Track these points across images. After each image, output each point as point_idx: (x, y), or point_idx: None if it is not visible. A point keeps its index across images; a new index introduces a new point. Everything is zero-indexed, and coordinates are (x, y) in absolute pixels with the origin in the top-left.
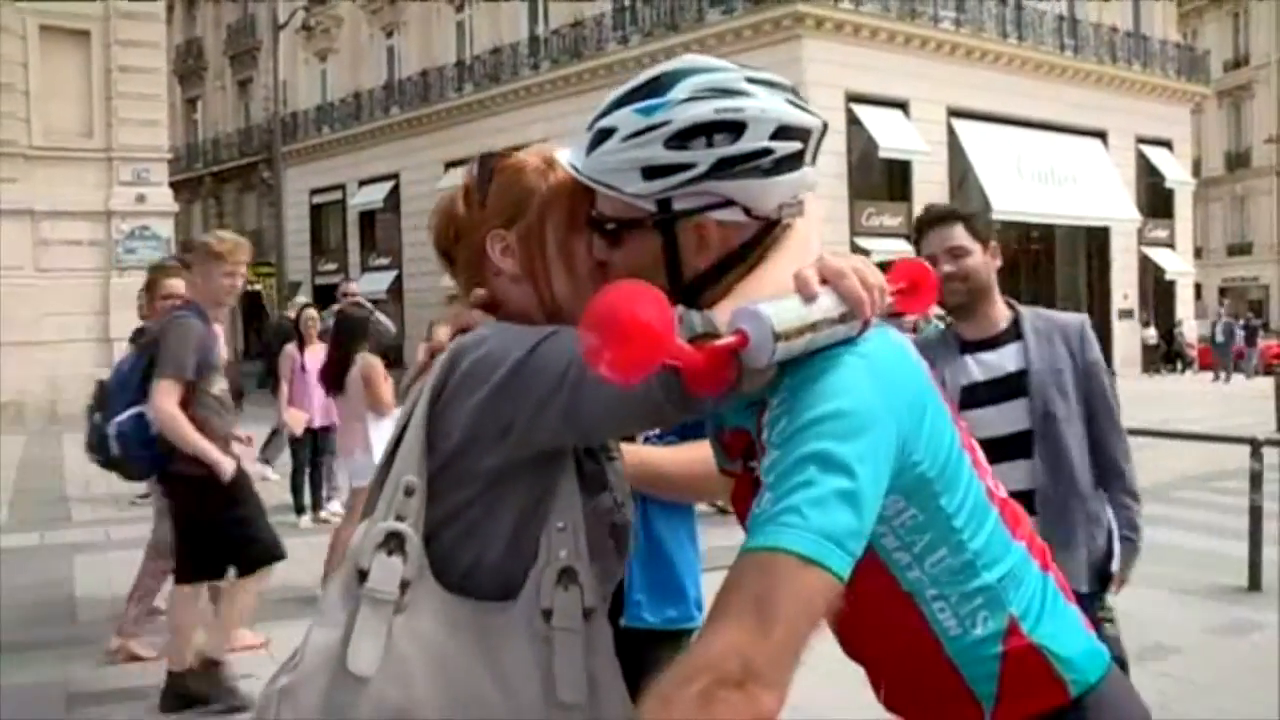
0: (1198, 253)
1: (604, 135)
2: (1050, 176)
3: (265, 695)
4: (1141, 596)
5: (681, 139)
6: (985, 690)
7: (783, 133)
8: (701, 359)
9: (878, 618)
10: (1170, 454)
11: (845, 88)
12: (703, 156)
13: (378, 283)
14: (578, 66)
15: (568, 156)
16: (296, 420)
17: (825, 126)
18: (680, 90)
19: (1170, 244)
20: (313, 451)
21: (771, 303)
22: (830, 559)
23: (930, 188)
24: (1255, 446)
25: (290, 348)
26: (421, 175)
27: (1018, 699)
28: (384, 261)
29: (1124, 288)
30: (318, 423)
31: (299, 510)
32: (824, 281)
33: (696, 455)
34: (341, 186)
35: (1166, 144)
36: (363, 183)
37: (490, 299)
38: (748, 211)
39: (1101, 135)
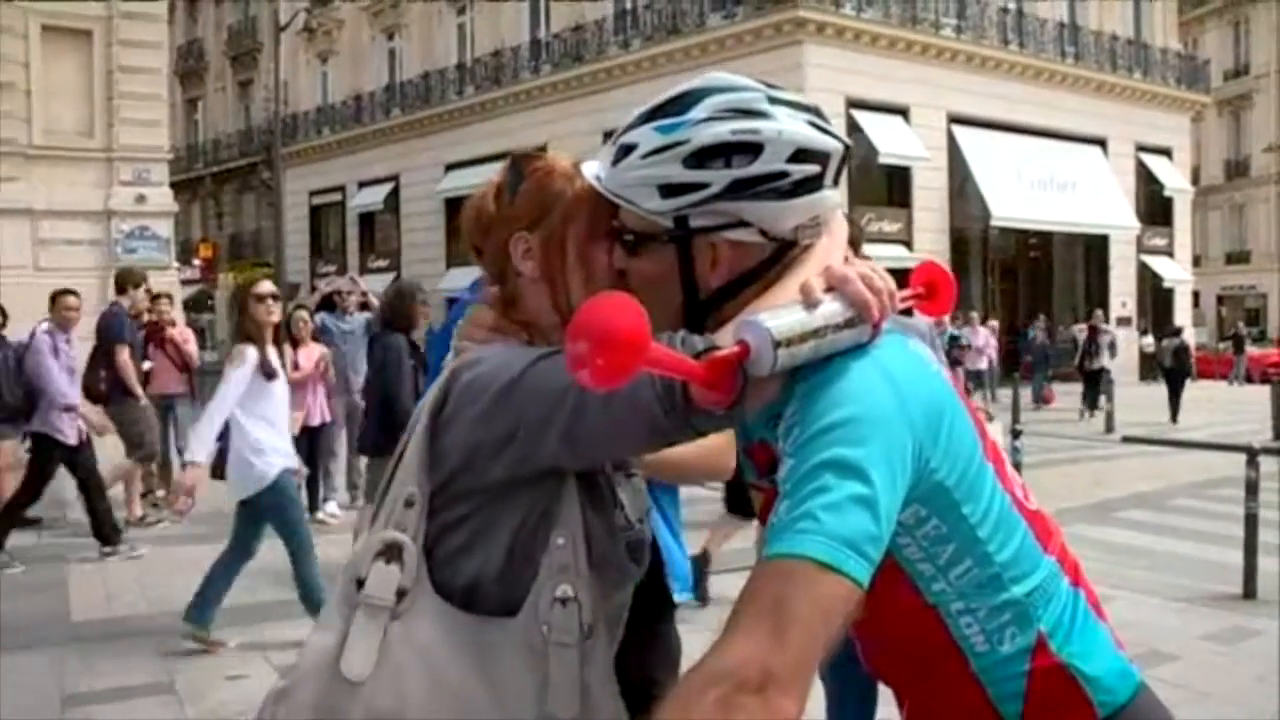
0: (1196, 261)
1: (626, 151)
2: (1050, 184)
3: (266, 697)
4: (1139, 604)
5: (699, 159)
6: (1011, 710)
7: (800, 156)
8: (703, 371)
9: (902, 633)
10: (1169, 462)
11: (846, 93)
12: (718, 177)
13: (377, 284)
14: (578, 70)
15: (593, 169)
16: (291, 421)
17: (848, 150)
18: (700, 110)
19: (1169, 252)
20: (310, 451)
21: (772, 312)
22: (847, 564)
23: (930, 194)
24: (1251, 455)
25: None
26: (421, 177)
27: (1044, 718)
28: (383, 263)
29: (1122, 295)
30: (314, 421)
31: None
32: (829, 288)
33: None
34: (341, 188)
35: (1166, 152)
36: (362, 184)
37: (506, 299)
38: (763, 233)
39: (1101, 143)
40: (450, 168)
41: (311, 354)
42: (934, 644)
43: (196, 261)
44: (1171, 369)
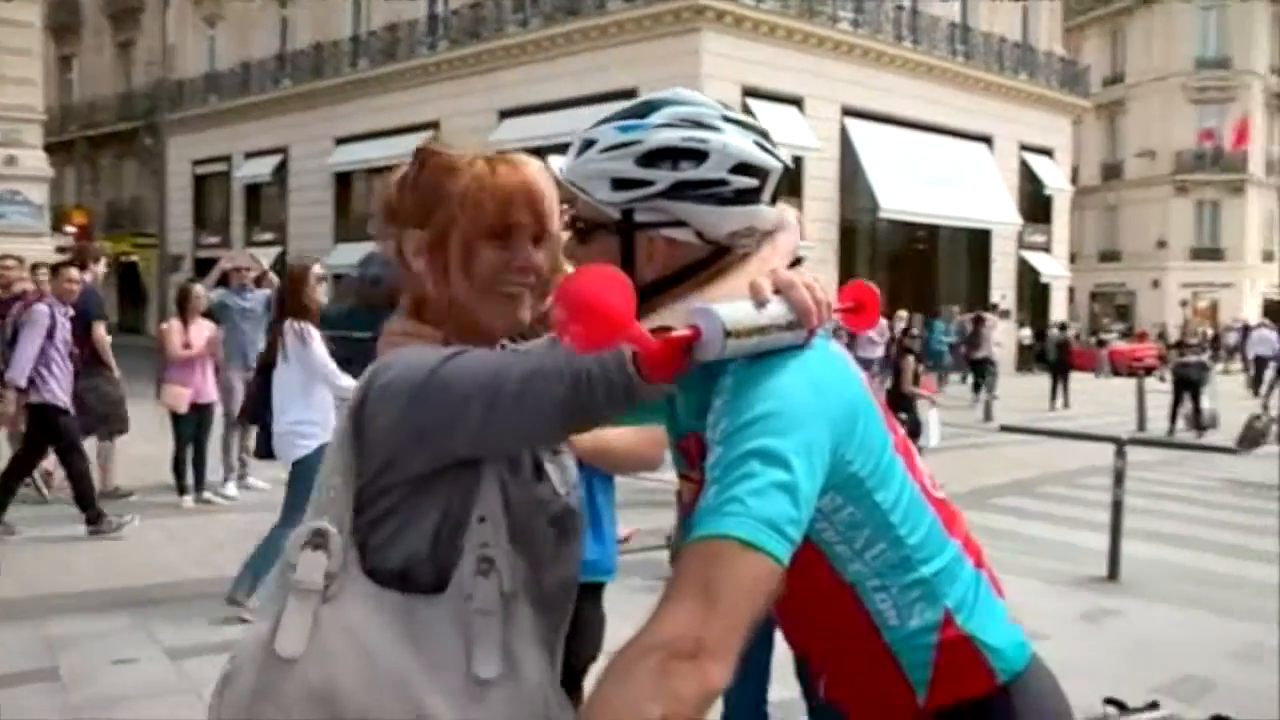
0: (1072, 258)
1: (588, 145)
2: (937, 178)
3: (218, 680)
4: (1014, 585)
5: (650, 159)
6: (920, 677)
7: (742, 169)
8: (657, 347)
9: (821, 609)
10: (1043, 451)
11: (742, 82)
12: (664, 177)
13: (262, 258)
14: (475, 47)
15: (560, 162)
16: (177, 397)
17: (787, 170)
18: (659, 117)
19: (1047, 248)
20: (196, 429)
21: (726, 304)
22: (769, 543)
23: (821, 184)
24: (1120, 445)
25: (174, 323)
26: (311, 150)
27: (950, 685)
28: (269, 236)
29: (1002, 289)
30: (203, 399)
31: (181, 491)
32: (776, 291)
33: (641, 434)
34: (227, 158)
35: (1048, 152)
36: (249, 155)
37: (415, 294)
38: (699, 235)
39: (987, 140)
40: (341, 141)
41: (203, 331)
42: (851, 619)
43: (70, 229)
44: (1056, 360)
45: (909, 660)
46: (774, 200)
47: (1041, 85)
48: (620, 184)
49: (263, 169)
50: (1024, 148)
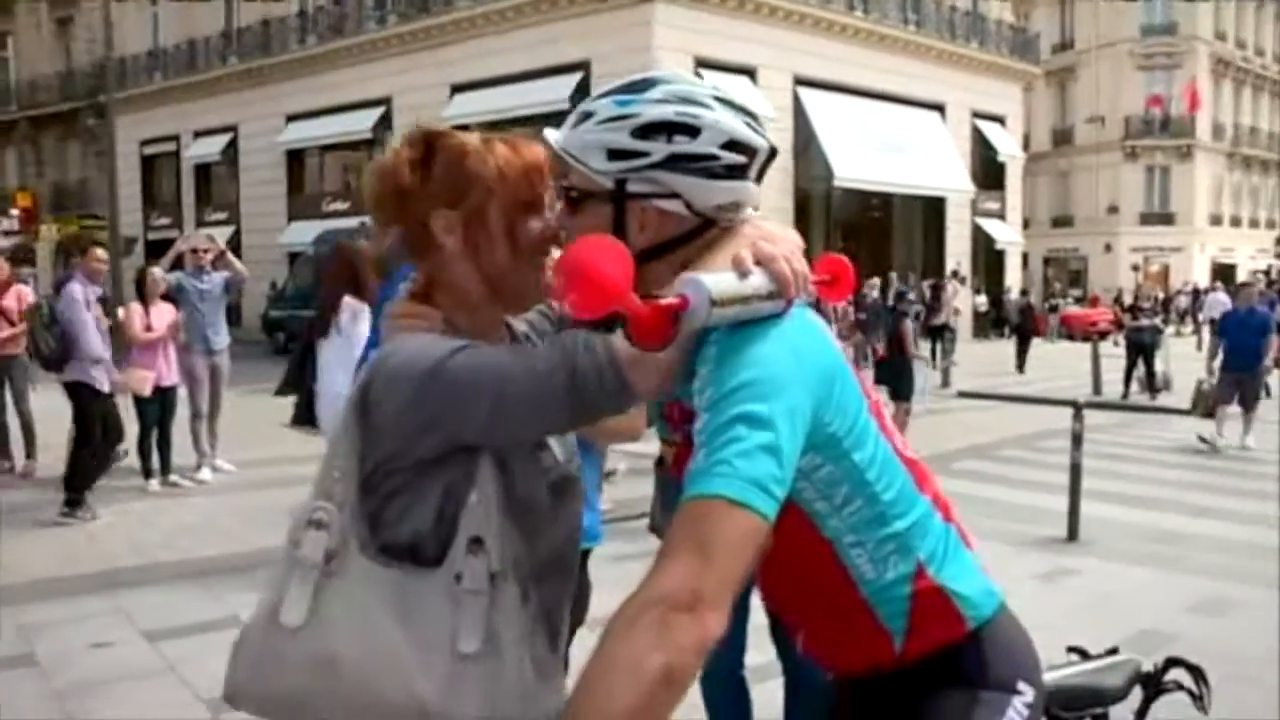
0: (1025, 224)
1: (585, 117)
2: (891, 146)
3: (232, 646)
4: (975, 547)
5: (644, 131)
6: (896, 626)
7: (731, 146)
8: (647, 313)
9: (802, 565)
10: (1000, 415)
11: (694, 53)
12: (659, 149)
13: (218, 238)
14: (425, 22)
15: (554, 134)
16: (142, 380)
17: (774, 150)
18: (655, 92)
19: (1001, 215)
20: (160, 412)
21: (711, 275)
22: (757, 501)
23: None
24: (1077, 409)
25: (135, 306)
26: (261, 128)
27: (924, 633)
28: (221, 216)
29: (957, 256)
30: (165, 382)
31: (147, 474)
32: (758, 263)
33: None
34: (175, 137)
35: (1000, 119)
36: (198, 134)
37: (427, 278)
38: (689, 206)
39: (940, 108)
40: (291, 119)
41: (163, 314)
42: (830, 574)
43: (15, 212)
44: (1019, 325)
45: (886, 611)
46: (760, 178)
47: (992, 53)
48: (616, 154)
49: (212, 148)
50: (976, 115)
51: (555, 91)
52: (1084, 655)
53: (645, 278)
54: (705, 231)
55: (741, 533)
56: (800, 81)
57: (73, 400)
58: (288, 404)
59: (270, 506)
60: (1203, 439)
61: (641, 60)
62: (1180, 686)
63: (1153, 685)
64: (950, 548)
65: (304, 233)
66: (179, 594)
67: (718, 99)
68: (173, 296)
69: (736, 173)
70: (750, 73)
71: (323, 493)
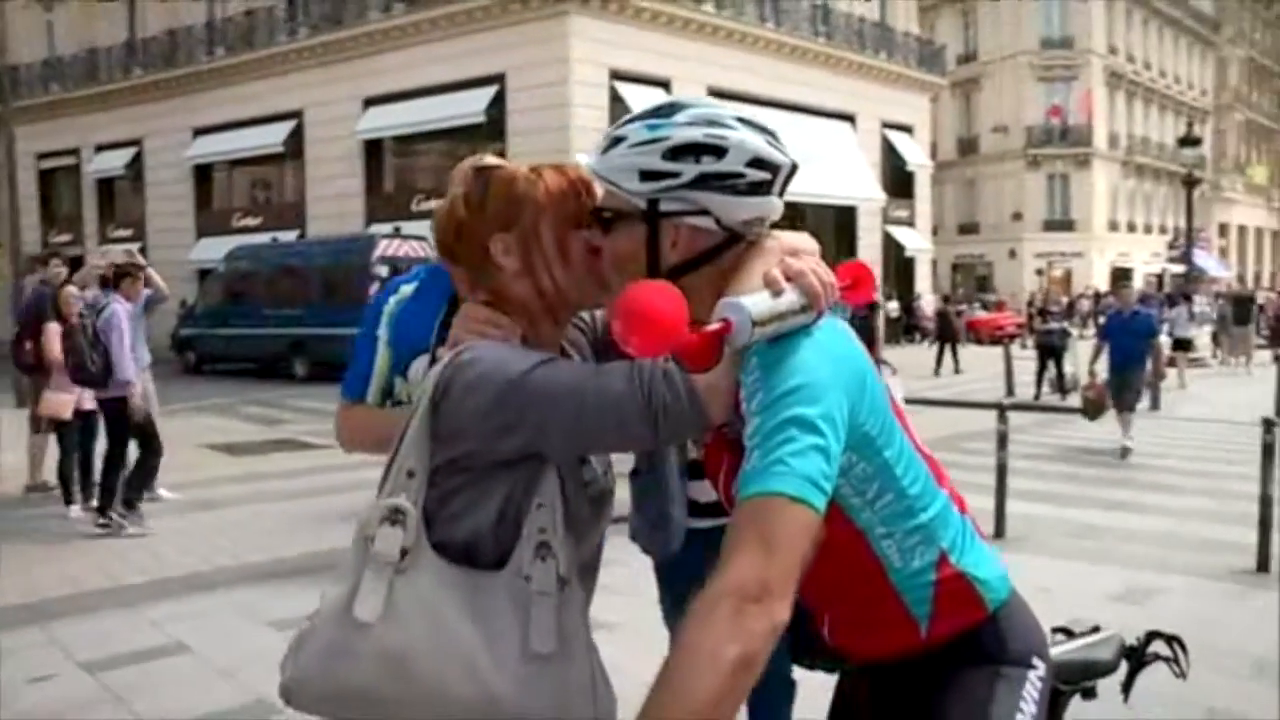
0: (934, 231)
1: (616, 141)
2: (802, 156)
3: (292, 640)
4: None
5: (675, 153)
6: (922, 612)
7: (756, 163)
8: (696, 341)
9: (835, 556)
10: (921, 419)
11: (610, 65)
12: (689, 169)
13: (134, 253)
14: (338, 34)
15: (586, 159)
16: (61, 405)
17: (795, 167)
18: (682, 116)
19: (911, 223)
20: (83, 437)
21: (749, 297)
22: (812, 496)
23: None
24: (1001, 411)
25: (54, 326)
26: (168, 142)
27: (948, 616)
28: (125, 233)
29: (869, 263)
30: (87, 405)
31: (68, 501)
32: (788, 279)
33: None
34: (75, 150)
35: (908, 129)
36: (101, 147)
37: (493, 294)
38: (718, 222)
39: (850, 119)
40: (200, 132)
41: None
42: (861, 563)
43: None
44: (940, 329)
45: (912, 598)
46: (782, 193)
47: (900, 64)
48: (648, 175)
49: (116, 162)
50: (886, 125)
51: (470, 105)
52: (1069, 634)
53: (680, 291)
54: (733, 245)
55: (800, 526)
56: (714, 93)
57: (112, 416)
58: (211, 424)
59: (204, 529)
60: (1124, 450)
61: (558, 72)
62: (1159, 657)
63: (1136, 657)
64: (968, 537)
65: (214, 249)
66: (113, 622)
67: (740, 120)
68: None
69: (761, 189)
70: (665, 84)
71: (398, 489)
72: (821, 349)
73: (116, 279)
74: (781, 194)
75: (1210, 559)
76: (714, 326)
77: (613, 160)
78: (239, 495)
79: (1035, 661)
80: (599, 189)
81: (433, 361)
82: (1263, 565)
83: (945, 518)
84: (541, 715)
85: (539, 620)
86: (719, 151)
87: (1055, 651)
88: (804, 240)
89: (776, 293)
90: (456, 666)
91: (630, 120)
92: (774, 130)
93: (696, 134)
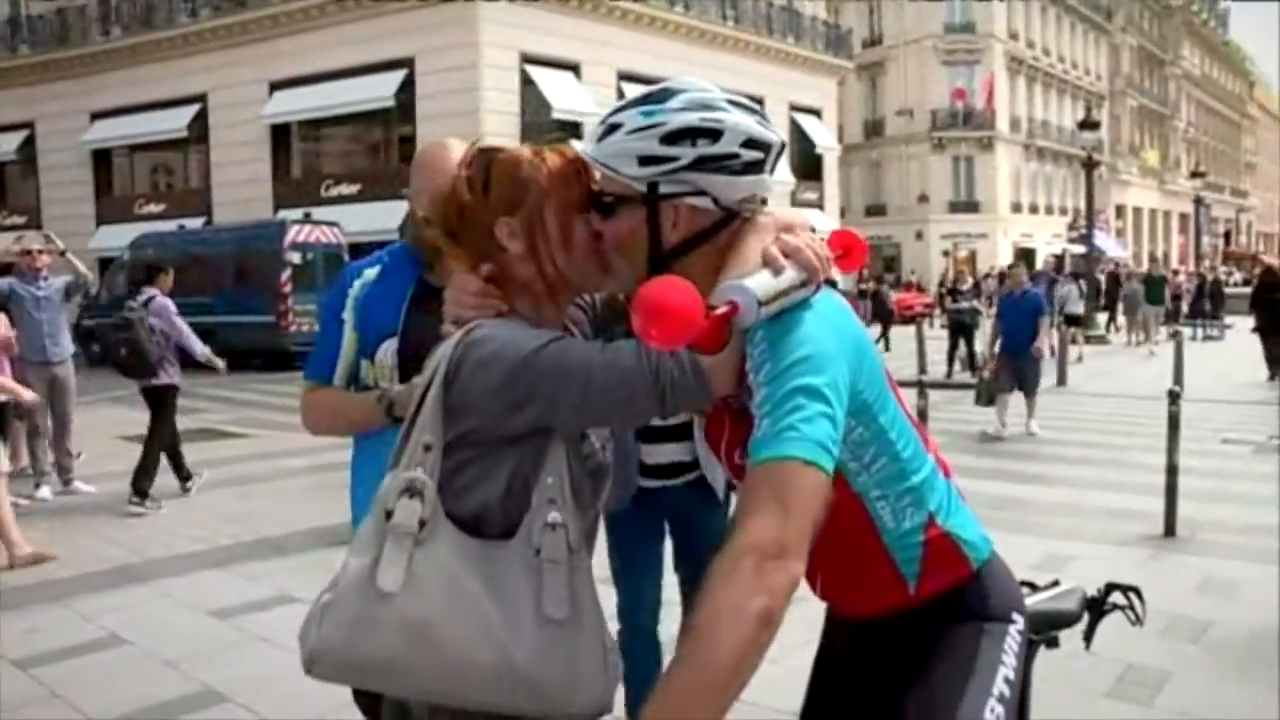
0: (842, 213)
1: (613, 129)
2: None
3: (311, 610)
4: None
5: (672, 138)
6: (911, 570)
7: (750, 144)
8: (706, 324)
9: (831, 517)
10: None
11: (520, 49)
12: (686, 153)
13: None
14: (241, 16)
15: (582, 146)
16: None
17: (783, 145)
18: (676, 101)
19: (820, 205)
20: None
21: (751, 277)
22: (822, 459)
23: None
24: (922, 387)
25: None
26: (62, 126)
27: (935, 575)
28: (18, 220)
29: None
30: None
31: None
32: (786, 256)
33: None
34: None
35: (816, 112)
36: None
37: (496, 275)
38: (715, 201)
39: (759, 102)
40: (97, 116)
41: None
42: (856, 524)
43: None
44: (876, 309)
45: (902, 556)
46: (772, 170)
47: (808, 48)
48: (646, 160)
49: (5, 145)
50: (794, 108)
51: (379, 89)
52: (1033, 588)
53: (682, 269)
54: (730, 223)
55: (813, 487)
56: (624, 76)
57: (159, 404)
58: (125, 415)
59: (128, 521)
60: (985, 433)
61: (468, 56)
62: (1117, 607)
63: (1098, 608)
64: (953, 499)
65: (116, 237)
66: (39, 617)
67: (731, 102)
68: (3, 305)
69: (754, 168)
70: (575, 68)
71: (414, 463)
72: (823, 320)
73: (150, 273)
74: (773, 171)
75: (1120, 527)
76: (722, 310)
77: (610, 147)
78: (160, 486)
79: (1015, 616)
80: (596, 173)
81: (402, 344)
82: (1169, 530)
83: (933, 481)
84: (557, 679)
85: (551, 587)
86: (714, 134)
87: (1028, 603)
88: (796, 215)
89: (777, 270)
90: (476, 634)
91: (624, 107)
92: (760, 110)
93: (692, 118)
